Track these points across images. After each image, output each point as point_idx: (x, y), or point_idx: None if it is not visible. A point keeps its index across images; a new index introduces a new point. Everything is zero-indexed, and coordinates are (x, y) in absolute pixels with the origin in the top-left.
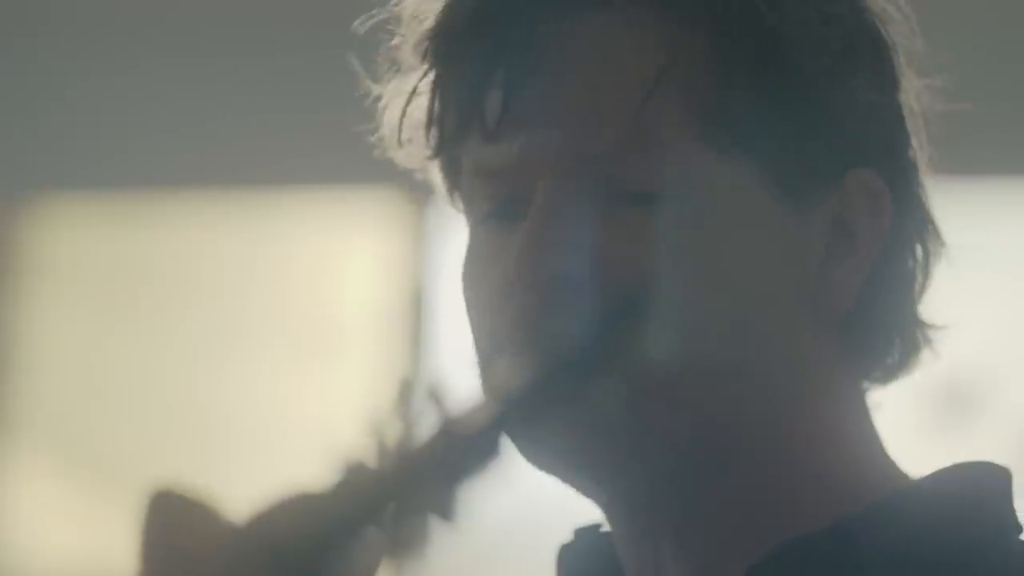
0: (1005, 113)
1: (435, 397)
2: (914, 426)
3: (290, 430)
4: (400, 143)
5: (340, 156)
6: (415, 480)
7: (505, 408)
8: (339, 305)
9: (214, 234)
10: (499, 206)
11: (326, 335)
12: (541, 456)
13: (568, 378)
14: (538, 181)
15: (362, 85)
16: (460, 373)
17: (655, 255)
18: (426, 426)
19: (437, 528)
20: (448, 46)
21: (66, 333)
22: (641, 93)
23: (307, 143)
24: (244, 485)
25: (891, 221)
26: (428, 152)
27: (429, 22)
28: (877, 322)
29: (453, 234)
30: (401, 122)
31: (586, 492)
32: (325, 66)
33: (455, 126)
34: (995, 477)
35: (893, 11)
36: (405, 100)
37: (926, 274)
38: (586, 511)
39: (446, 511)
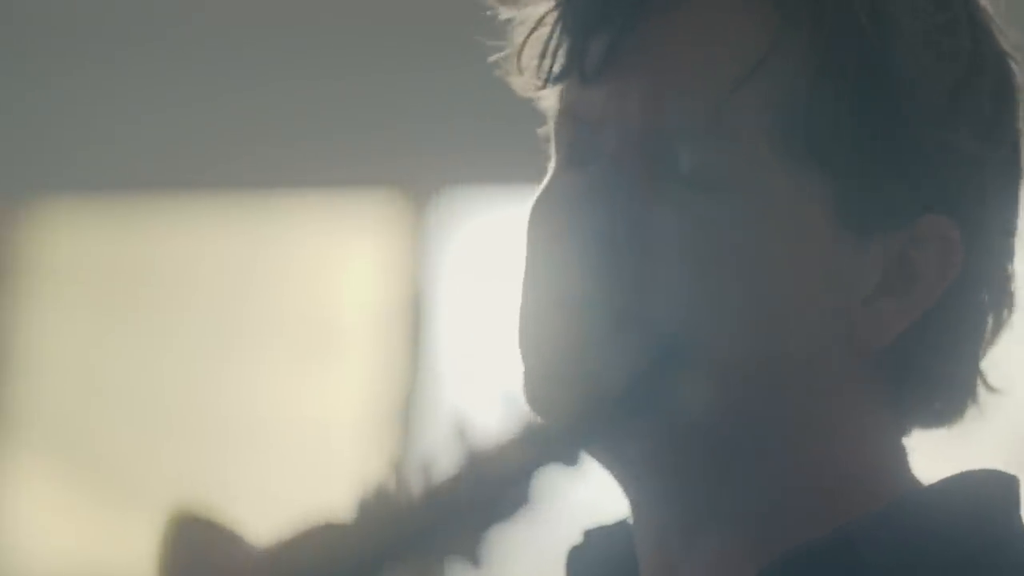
0: None
1: (462, 432)
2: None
3: (289, 432)
4: (519, 70)
5: (339, 159)
6: (441, 521)
7: (538, 453)
8: (338, 308)
9: (213, 237)
10: (574, 152)
11: (325, 338)
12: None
13: (609, 417)
14: (607, 139)
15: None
16: (457, 375)
17: (693, 244)
18: (453, 463)
19: (462, 572)
20: None
21: (65, 335)
22: (731, 80)
23: (306, 146)
24: (243, 487)
25: (959, 274)
26: (538, 84)
27: None
28: (922, 366)
29: (452, 237)
30: (521, 50)
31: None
32: (324, 68)
33: (562, 64)
34: (1002, 485)
35: None
36: (528, 30)
37: (989, 334)
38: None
39: (472, 556)
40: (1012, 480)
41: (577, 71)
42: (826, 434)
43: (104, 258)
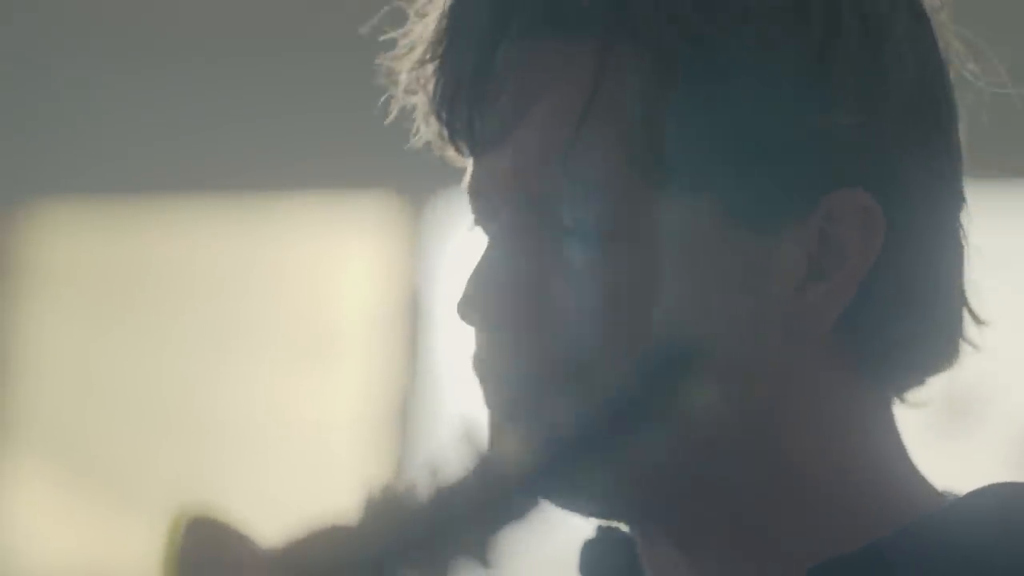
0: (1005, 115)
1: (470, 433)
2: (913, 428)
3: (287, 435)
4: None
5: (337, 160)
6: (450, 522)
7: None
8: (336, 309)
9: (211, 239)
10: (480, 223)
11: (323, 340)
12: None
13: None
14: (496, 210)
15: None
16: (454, 377)
17: (589, 293)
18: (461, 466)
19: (472, 572)
20: (422, 71)
21: (63, 337)
22: (570, 129)
23: (304, 148)
24: (241, 489)
25: (886, 237)
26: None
27: (415, 51)
28: (880, 335)
29: (450, 238)
30: (431, 131)
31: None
32: (322, 71)
33: (445, 142)
34: None
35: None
36: (420, 111)
37: (944, 281)
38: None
39: (482, 557)
40: None
41: (454, 147)
42: (805, 433)
43: (102, 260)
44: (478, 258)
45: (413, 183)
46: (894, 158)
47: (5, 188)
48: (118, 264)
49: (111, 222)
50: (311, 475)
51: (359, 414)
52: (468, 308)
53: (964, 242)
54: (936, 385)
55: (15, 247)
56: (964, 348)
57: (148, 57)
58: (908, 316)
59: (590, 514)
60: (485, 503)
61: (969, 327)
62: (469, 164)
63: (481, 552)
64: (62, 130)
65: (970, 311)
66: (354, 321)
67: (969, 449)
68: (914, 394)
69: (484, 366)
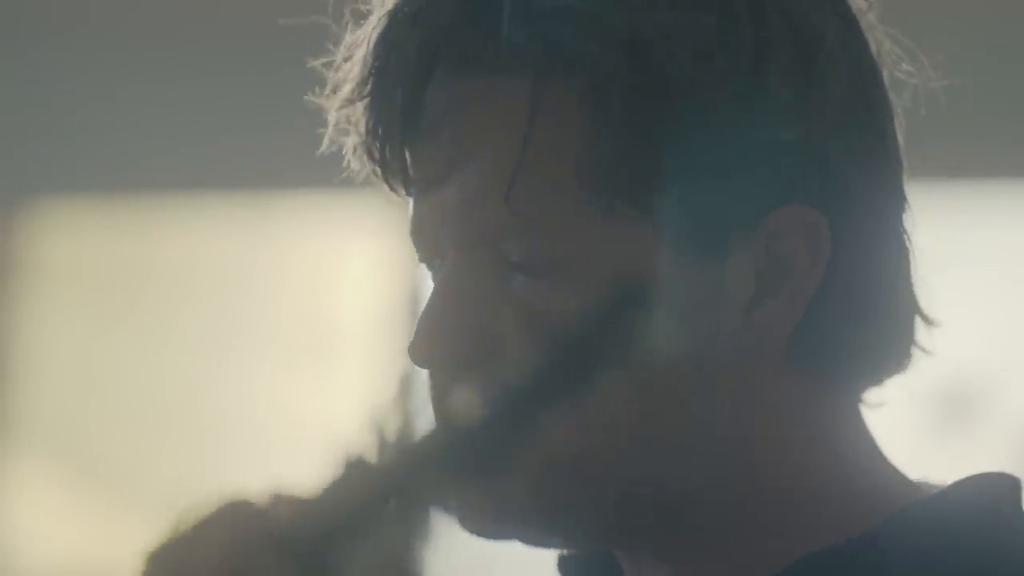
0: (1005, 115)
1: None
2: (912, 429)
3: (288, 433)
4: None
5: (338, 159)
6: (417, 476)
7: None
8: (337, 308)
9: (212, 237)
10: (425, 262)
11: (324, 338)
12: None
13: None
14: (444, 250)
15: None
16: None
17: (539, 327)
18: (426, 422)
19: (439, 526)
20: (351, 110)
21: (64, 336)
22: (511, 165)
23: (305, 146)
24: (242, 487)
25: (832, 247)
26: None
27: (341, 89)
28: (833, 344)
29: None
30: (366, 171)
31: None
32: (324, 71)
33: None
34: (1010, 487)
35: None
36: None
37: (892, 285)
38: None
39: (446, 505)
40: (1015, 482)
41: (389, 187)
42: (770, 442)
43: (103, 258)
44: (427, 300)
45: None
46: (835, 168)
47: (5, 188)
48: (119, 263)
49: (112, 220)
50: (313, 473)
51: (361, 412)
52: (421, 352)
53: (909, 244)
54: (897, 385)
55: (15, 247)
56: (920, 351)
57: (149, 56)
58: (860, 323)
59: (571, 545)
60: (447, 457)
61: (920, 329)
62: (410, 204)
63: (446, 505)
64: (62, 129)
65: (920, 313)
66: (354, 320)
67: (969, 449)
68: (874, 395)
69: (442, 406)
